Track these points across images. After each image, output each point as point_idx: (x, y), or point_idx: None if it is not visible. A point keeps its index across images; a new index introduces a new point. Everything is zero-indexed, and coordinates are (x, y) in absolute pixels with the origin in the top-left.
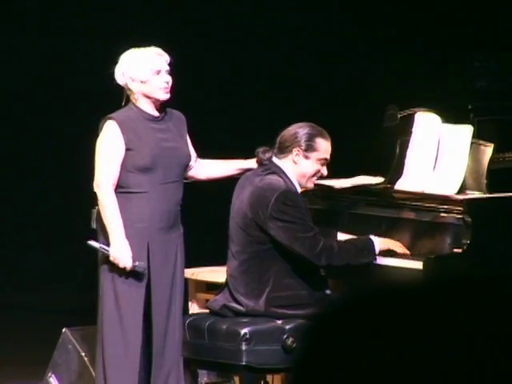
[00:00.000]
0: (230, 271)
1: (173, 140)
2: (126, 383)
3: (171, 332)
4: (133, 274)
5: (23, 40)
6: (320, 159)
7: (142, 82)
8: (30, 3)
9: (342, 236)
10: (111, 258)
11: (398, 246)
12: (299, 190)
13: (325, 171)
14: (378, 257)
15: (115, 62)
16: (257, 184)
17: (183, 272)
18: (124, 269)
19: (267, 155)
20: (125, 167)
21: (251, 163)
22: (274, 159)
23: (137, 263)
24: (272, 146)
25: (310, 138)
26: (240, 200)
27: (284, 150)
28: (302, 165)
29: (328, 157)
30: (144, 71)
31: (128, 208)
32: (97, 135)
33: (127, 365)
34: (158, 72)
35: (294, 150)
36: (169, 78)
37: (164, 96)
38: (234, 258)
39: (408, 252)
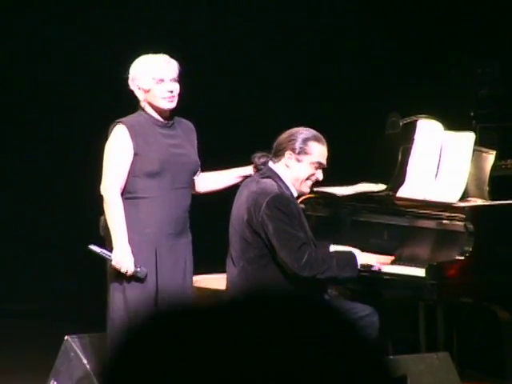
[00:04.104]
0: (230, 278)
1: (181, 146)
2: None
3: None
4: (143, 281)
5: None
6: (313, 163)
7: (145, 90)
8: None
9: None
10: (113, 263)
11: (379, 260)
12: (295, 193)
13: (320, 175)
14: (377, 267)
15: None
16: (251, 189)
17: (192, 279)
18: (126, 273)
19: (262, 160)
20: (133, 172)
21: (249, 170)
22: (270, 163)
23: (138, 268)
24: (270, 151)
25: (303, 142)
26: (237, 206)
27: (278, 153)
28: (295, 168)
29: (323, 161)
30: (147, 80)
31: (136, 213)
32: (105, 139)
33: None
34: (161, 81)
35: (287, 153)
36: (173, 87)
37: (167, 105)
38: (233, 265)
39: (389, 261)
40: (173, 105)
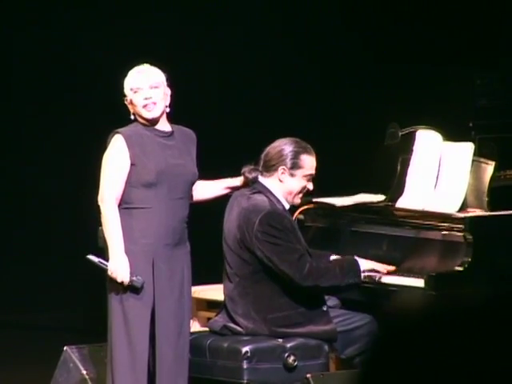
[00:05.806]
0: (227, 292)
1: (179, 157)
2: None
3: (180, 351)
4: (140, 291)
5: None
6: (306, 175)
7: (129, 103)
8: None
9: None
10: (109, 272)
11: (381, 267)
12: (287, 206)
13: (311, 186)
14: (378, 275)
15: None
16: (243, 205)
17: (190, 290)
18: (122, 283)
19: (253, 174)
20: (130, 182)
21: (238, 181)
22: (260, 178)
23: (134, 278)
24: (257, 163)
25: (295, 156)
26: (229, 222)
27: (269, 168)
28: (288, 183)
29: (314, 172)
30: (127, 92)
31: (132, 224)
32: (105, 149)
33: (135, 382)
34: (137, 90)
35: (280, 168)
36: (151, 94)
37: (146, 114)
38: (229, 280)
39: (392, 268)
40: (153, 114)
